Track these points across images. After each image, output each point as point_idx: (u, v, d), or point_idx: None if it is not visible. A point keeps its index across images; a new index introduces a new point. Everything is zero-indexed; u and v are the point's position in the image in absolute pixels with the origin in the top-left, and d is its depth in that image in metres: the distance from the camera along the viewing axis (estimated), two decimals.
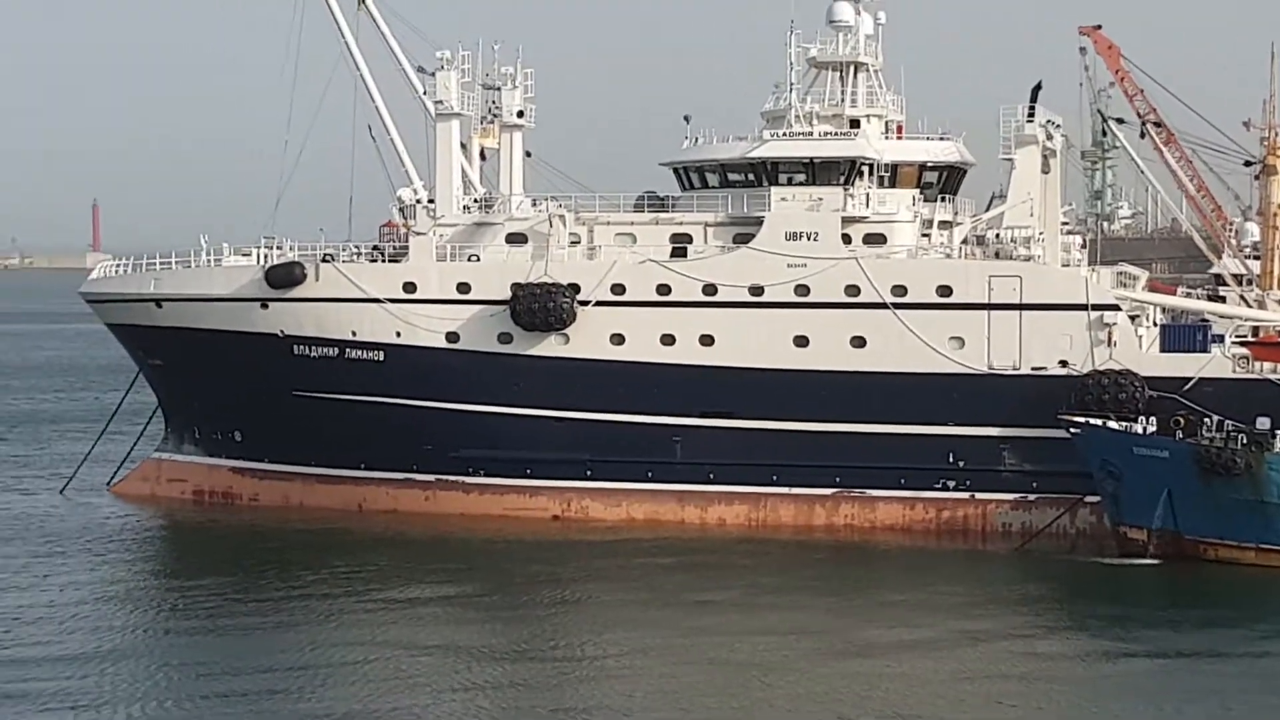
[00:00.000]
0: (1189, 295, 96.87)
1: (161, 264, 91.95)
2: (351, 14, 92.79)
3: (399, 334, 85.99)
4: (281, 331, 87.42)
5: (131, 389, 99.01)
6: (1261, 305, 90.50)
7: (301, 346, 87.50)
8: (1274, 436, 73.43)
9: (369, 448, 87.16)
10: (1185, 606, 69.11)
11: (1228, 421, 74.79)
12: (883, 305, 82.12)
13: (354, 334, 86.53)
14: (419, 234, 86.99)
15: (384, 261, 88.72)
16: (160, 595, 71.60)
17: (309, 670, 57.57)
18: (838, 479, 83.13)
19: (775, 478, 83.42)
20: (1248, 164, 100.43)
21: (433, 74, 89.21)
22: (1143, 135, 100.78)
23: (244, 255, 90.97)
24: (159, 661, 58.97)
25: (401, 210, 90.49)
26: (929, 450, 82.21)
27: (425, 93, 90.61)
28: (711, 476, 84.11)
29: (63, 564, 75.02)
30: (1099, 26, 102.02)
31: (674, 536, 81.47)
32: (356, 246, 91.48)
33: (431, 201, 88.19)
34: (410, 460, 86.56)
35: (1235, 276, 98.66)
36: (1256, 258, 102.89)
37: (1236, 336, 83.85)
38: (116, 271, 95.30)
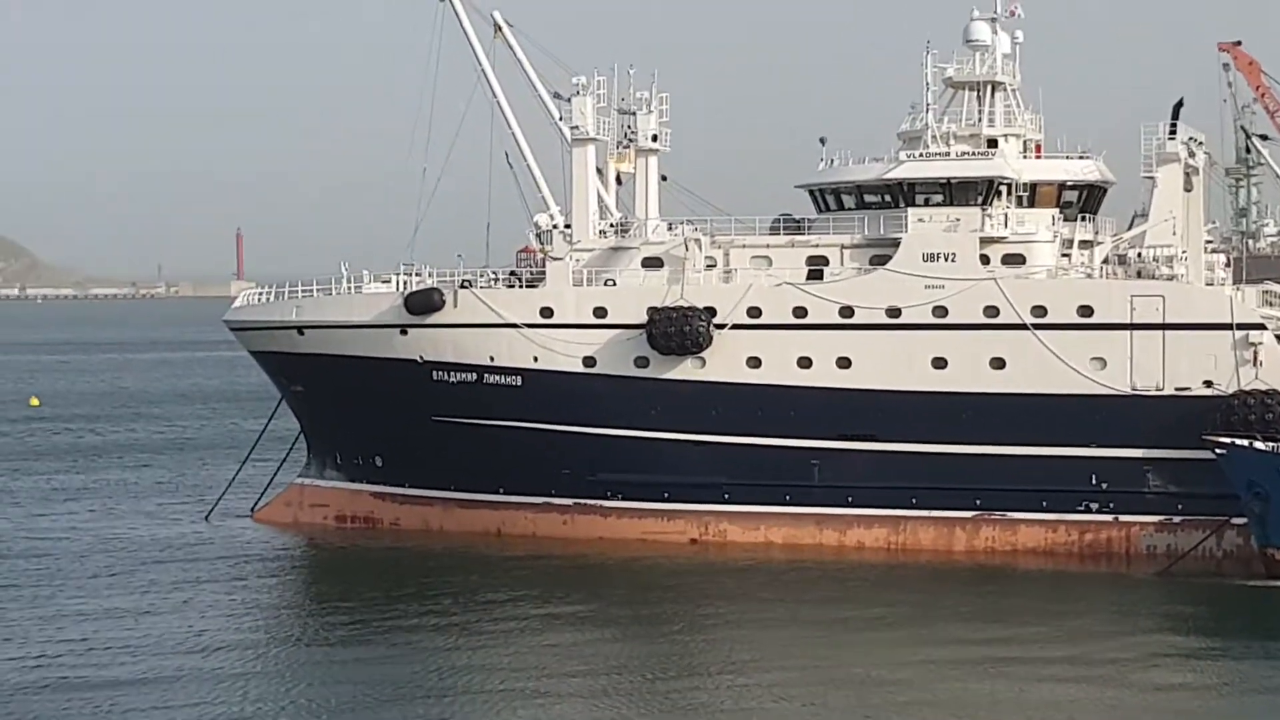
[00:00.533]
0: None
1: (303, 292, 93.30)
2: (488, 41, 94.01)
3: (536, 359, 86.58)
4: (421, 357, 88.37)
5: (274, 416, 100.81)
6: None
7: (440, 372, 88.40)
8: None
9: (507, 472, 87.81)
10: None
11: None
12: (1022, 326, 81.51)
13: (492, 359, 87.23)
14: (556, 259, 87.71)
15: (521, 287, 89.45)
16: (301, 619, 72.67)
17: (449, 695, 58.16)
18: (978, 501, 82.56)
19: (914, 500, 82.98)
20: None
21: (568, 99, 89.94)
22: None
23: (384, 282, 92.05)
24: (300, 684, 59.85)
25: (538, 236, 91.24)
26: (1071, 472, 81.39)
27: (561, 118, 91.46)
28: (850, 500, 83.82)
29: (207, 588, 76.29)
30: (1239, 43, 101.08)
31: (812, 560, 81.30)
32: (494, 272, 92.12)
33: (568, 226, 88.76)
34: (548, 484, 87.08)
35: None
36: None
37: None
38: (260, 299, 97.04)
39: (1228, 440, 76.06)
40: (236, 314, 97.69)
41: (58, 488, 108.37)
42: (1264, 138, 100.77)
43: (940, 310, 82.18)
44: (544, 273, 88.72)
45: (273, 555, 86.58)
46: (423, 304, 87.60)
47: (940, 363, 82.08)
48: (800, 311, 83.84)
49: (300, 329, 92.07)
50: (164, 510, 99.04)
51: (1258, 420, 77.40)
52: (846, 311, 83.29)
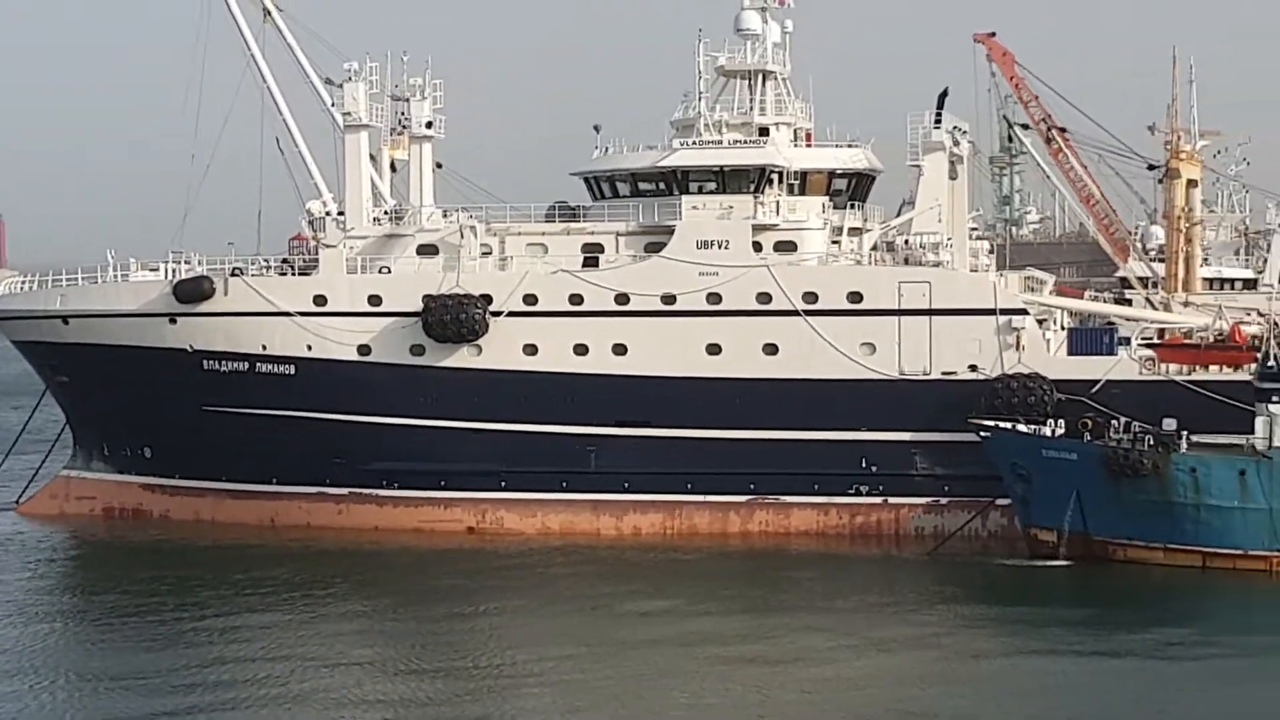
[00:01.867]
0: (1095, 299, 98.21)
1: (68, 280, 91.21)
2: (257, 25, 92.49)
3: (310, 347, 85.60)
4: (191, 346, 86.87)
5: (38, 407, 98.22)
6: (1166, 307, 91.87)
7: (211, 361, 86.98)
8: (1180, 437, 74.38)
9: (281, 462, 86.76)
10: (1095, 607, 69.66)
11: (1134, 423, 75.61)
12: (794, 312, 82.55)
13: (264, 348, 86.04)
14: (329, 246, 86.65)
15: (294, 275, 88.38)
16: (66, 613, 71.01)
17: (216, 686, 57.30)
18: (752, 486, 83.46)
19: (690, 486, 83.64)
20: (1151, 168, 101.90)
21: (340, 86, 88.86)
22: (1048, 141, 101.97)
23: (152, 270, 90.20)
24: (59, 679, 58.67)
25: (311, 223, 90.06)
26: (842, 456, 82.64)
27: (333, 104, 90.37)
28: (626, 486, 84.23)
29: None
30: (993, 34, 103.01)
31: (589, 546, 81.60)
32: (266, 260, 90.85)
33: (341, 214, 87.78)
34: (323, 474, 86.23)
35: (1141, 279, 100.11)
36: (1161, 260, 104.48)
37: (1142, 339, 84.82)
38: (22, 288, 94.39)
39: (991, 423, 77.78)
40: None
41: None
42: (1025, 127, 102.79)
43: (714, 297, 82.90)
44: (317, 260, 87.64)
45: (35, 547, 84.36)
46: (192, 292, 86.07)
47: (715, 349, 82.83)
48: (576, 299, 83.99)
49: (65, 318, 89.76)
50: None
51: (1020, 404, 79.25)
52: (622, 298, 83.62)
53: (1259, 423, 73.20)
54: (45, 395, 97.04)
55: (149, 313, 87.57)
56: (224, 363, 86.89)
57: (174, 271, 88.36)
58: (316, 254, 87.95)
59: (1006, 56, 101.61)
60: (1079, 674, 59.31)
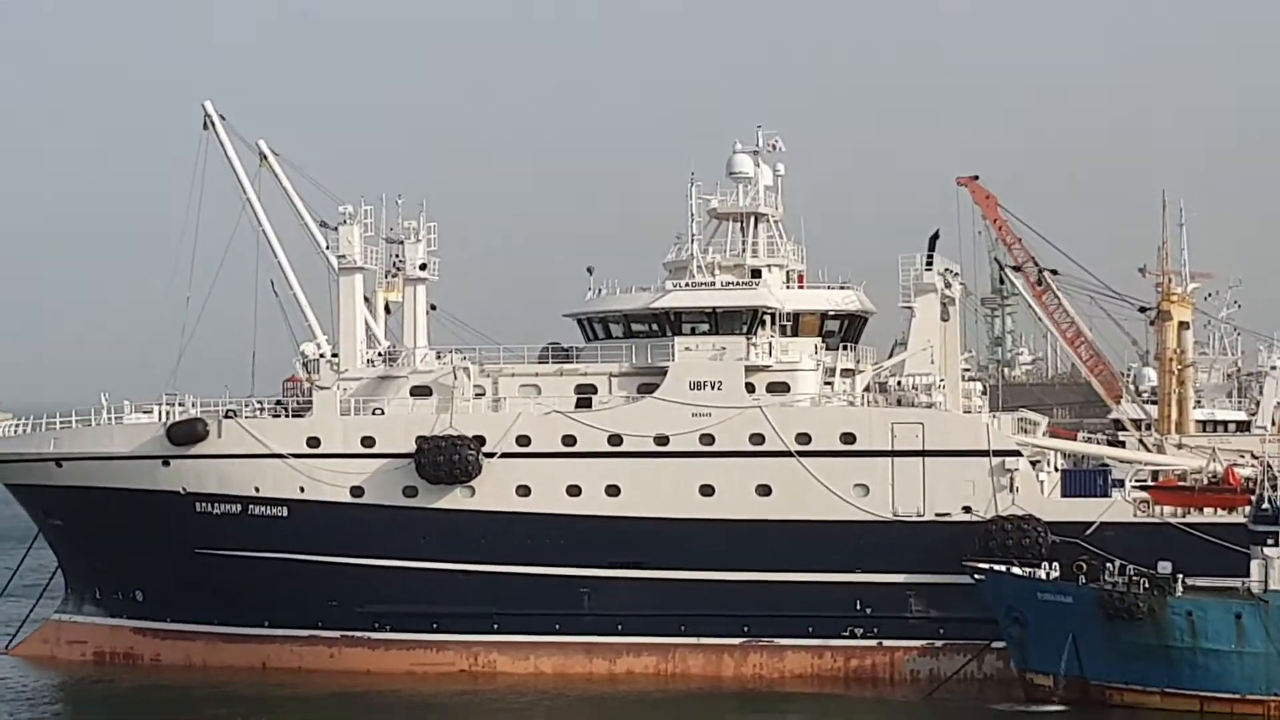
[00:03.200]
0: (1089, 440, 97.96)
1: (62, 423, 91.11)
2: (253, 169, 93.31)
3: (303, 489, 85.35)
4: (184, 489, 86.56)
5: (31, 549, 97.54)
6: (1160, 449, 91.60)
7: (204, 504, 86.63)
8: (1175, 580, 73.85)
9: (273, 604, 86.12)
10: None
11: (1130, 566, 75.11)
12: (787, 453, 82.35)
13: (257, 490, 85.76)
14: (322, 388, 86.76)
15: (287, 416, 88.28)
16: None
17: None
18: (746, 628, 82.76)
19: (683, 628, 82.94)
20: (1143, 310, 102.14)
21: (335, 228, 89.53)
22: (1037, 283, 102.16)
23: (145, 413, 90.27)
24: None
25: (305, 365, 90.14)
26: (836, 598, 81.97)
27: (328, 247, 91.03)
28: (620, 628, 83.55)
29: None
30: (976, 177, 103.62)
31: (582, 689, 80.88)
32: (260, 402, 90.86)
33: (335, 355, 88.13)
34: (315, 616, 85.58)
35: (1134, 421, 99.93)
36: (1154, 402, 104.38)
37: (1136, 481, 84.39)
38: (15, 430, 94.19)
39: (986, 565, 77.33)
40: None
41: None
42: (1016, 269, 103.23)
43: (707, 438, 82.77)
44: (310, 402, 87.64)
45: (29, 692, 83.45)
46: (186, 434, 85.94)
47: (708, 490, 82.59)
48: (569, 440, 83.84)
49: (58, 461, 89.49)
50: None
51: (1014, 545, 78.86)
52: (615, 439, 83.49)
53: (1254, 566, 72.71)
54: (38, 538, 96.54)
55: (142, 455, 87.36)
56: (217, 505, 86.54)
57: (168, 414, 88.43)
58: (310, 396, 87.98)
59: (990, 199, 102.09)
60: None
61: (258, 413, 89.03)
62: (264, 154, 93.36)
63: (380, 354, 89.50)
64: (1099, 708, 74.06)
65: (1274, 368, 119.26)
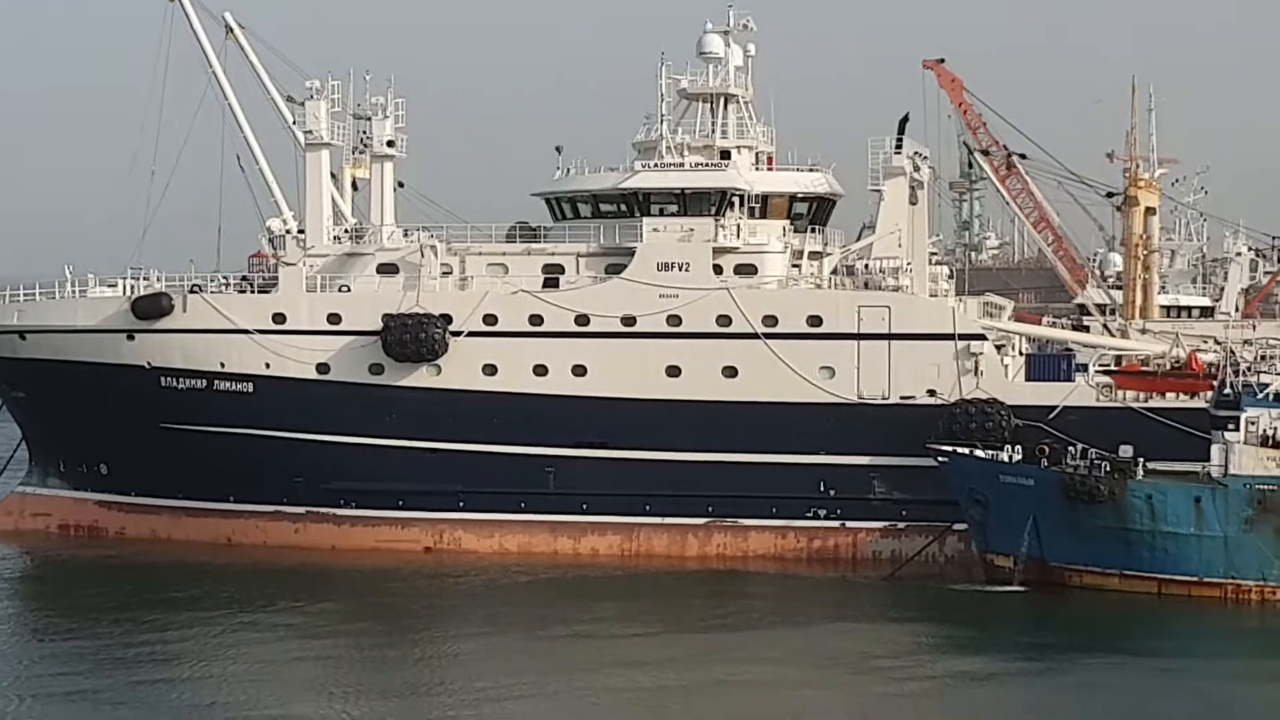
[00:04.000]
0: (1054, 325, 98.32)
1: (25, 295, 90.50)
2: (219, 42, 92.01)
3: (268, 365, 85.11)
4: (148, 363, 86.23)
5: None
6: (1124, 334, 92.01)
7: (169, 378, 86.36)
8: (1136, 464, 74.51)
9: (238, 480, 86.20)
10: (1049, 632, 69.46)
11: (1091, 449, 75.69)
12: (754, 335, 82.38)
13: (222, 365, 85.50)
14: (288, 264, 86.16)
15: (253, 292, 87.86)
16: (15, 629, 70.16)
17: (153, 706, 56.75)
18: (710, 509, 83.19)
19: (648, 508, 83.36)
20: (1109, 195, 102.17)
21: (302, 104, 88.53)
22: (1007, 168, 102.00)
23: (110, 286, 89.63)
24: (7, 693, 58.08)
25: (271, 241, 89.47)
26: (800, 479, 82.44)
27: (295, 122, 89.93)
28: (584, 507, 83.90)
29: None
30: (942, 60, 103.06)
31: (546, 568, 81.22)
32: (225, 277, 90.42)
33: (301, 232, 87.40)
34: (280, 492, 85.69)
35: (1098, 306, 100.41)
36: (1119, 287, 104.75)
37: (1100, 365, 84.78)
38: None
39: (949, 448, 77.73)
40: None
41: None
42: (984, 153, 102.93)
43: (674, 319, 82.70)
44: (276, 278, 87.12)
45: None
46: (150, 309, 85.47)
47: (674, 371, 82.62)
48: (536, 319, 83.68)
49: (22, 333, 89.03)
50: None
51: (978, 429, 79.24)
52: (582, 320, 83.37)
53: (1214, 450, 73.24)
54: (1, 411, 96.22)
55: (107, 329, 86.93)
56: (182, 380, 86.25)
57: (132, 288, 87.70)
58: (276, 272, 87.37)
59: (955, 83, 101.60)
60: (1031, 699, 59.47)
61: (223, 288, 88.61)
62: (230, 26, 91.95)
63: (347, 231, 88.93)
64: (1058, 589, 74.75)
65: (1238, 254, 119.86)
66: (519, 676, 60.69)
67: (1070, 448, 76.35)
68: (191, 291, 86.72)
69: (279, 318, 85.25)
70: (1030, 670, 63.23)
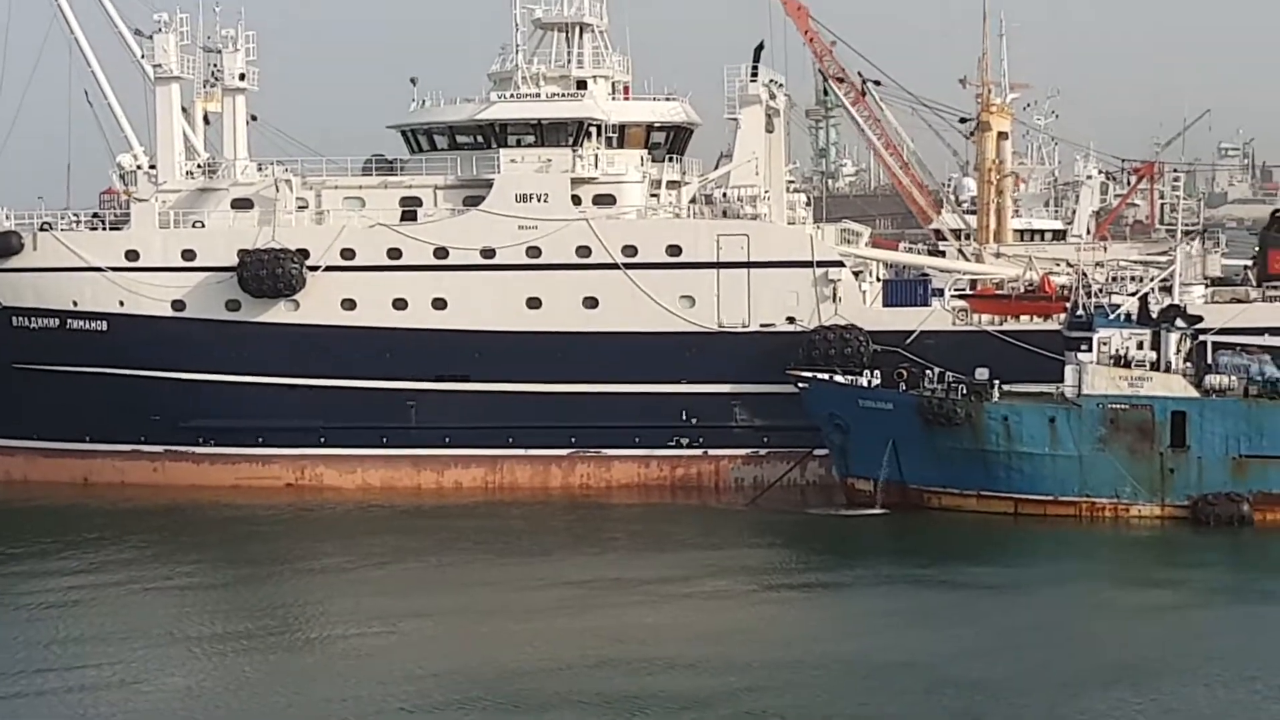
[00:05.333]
0: (909, 250, 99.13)
1: None
2: None
3: (122, 303, 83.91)
4: None
5: None
6: (978, 259, 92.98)
7: (21, 318, 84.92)
8: (992, 387, 75.36)
9: (94, 419, 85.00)
10: (909, 554, 70.04)
11: (948, 373, 76.39)
12: (614, 266, 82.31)
13: (75, 304, 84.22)
14: (141, 200, 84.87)
15: (105, 229, 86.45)
16: None
17: (16, 652, 55.26)
18: (573, 439, 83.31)
19: (511, 440, 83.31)
20: (963, 121, 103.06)
21: (150, 37, 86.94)
22: (863, 94, 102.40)
23: None
24: None
25: (122, 176, 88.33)
26: (662, 409, 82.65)
27: (143, 56, 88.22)
28: (447, 440, 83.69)
29: None
30: None
31: (409, 502, 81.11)
32: (76, 214, 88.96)
33: (153, 167, 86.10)
34: (137, 431, 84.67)
35: (953, 231, 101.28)
36: (973, 213, 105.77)
37: (955, 290, 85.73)
38: None
39: (809, 375, 78.26)
40: None
41: None
42: (840, 80, 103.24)
43: (534, 250, 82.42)
44: (128, 215, 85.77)
45: None
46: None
47: (535, 303, 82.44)
48: (394, 253, 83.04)
49: None
50: None
51: (837, 355, 79.74)
52: (441, 253, 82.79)
53: (1068, 371, 74.22)
54: None
55: None
56: (34, 319, 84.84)
57: None
58: (128, 208, 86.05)
59: (801, 10, 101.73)
60: (890, 618, 59.68)
61: (74, 225, 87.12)
62: None
63: (200, 166, 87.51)
64: (917, 511, 75.57)
65: (1089, 177, 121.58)
66: (367, 612, 60.43)
67: (928, 371, 77.09)
68: (42, 229, 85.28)
69: (132, 255, 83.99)
70: (886, 591, 63.75)
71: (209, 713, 49.18)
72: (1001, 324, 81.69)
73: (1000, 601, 61.83)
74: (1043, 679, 50.73)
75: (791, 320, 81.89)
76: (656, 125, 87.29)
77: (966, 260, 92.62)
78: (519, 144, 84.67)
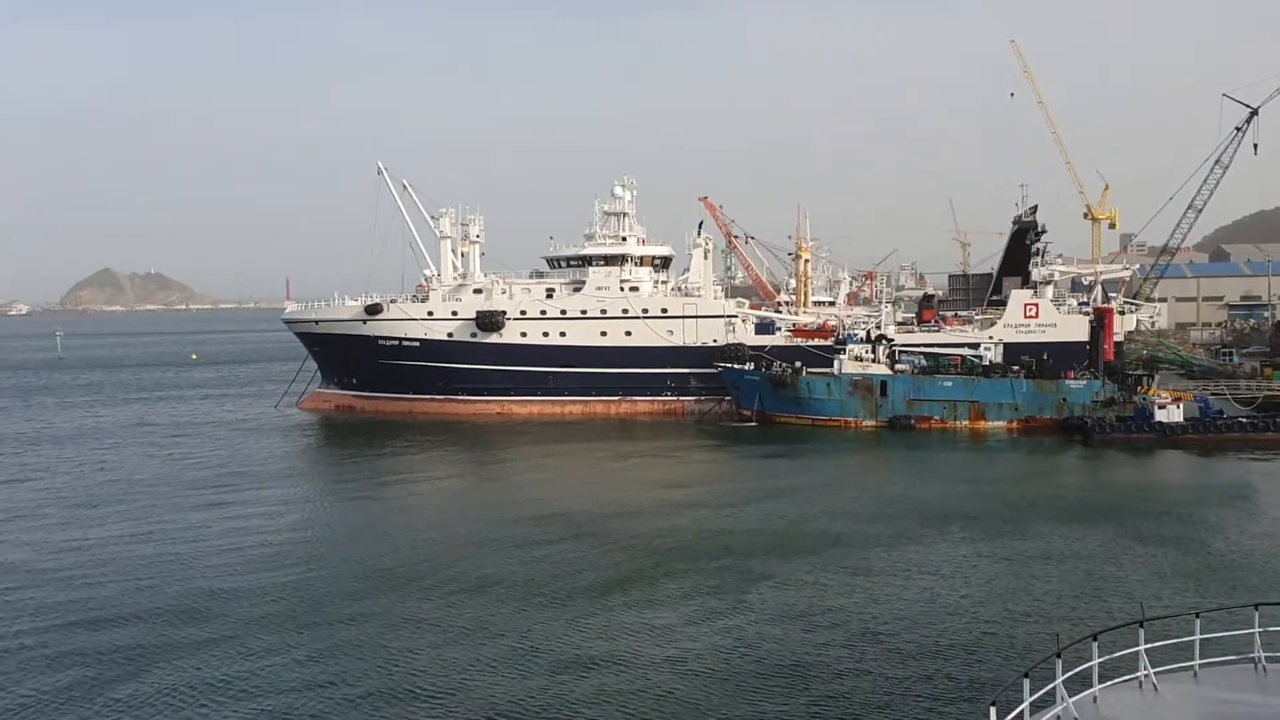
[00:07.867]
0: (765, 310, 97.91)
1: (316, 305, 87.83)
2: (399, 191, 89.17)
3: (426, 333, 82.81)
4: (374, 335, 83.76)
5: (305, 361, 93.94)
6: (796, 314, 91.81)
7: (383, 341, 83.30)
8: (802, 370, 74.57)
9: (413, 384, 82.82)
10: (767, 442, 68.02)
11: (783, 364, 75.65)
12: (638, 317, 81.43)
13: (405, 334, 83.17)
14: (433, 290, 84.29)
15: (418, 302, 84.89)
16: (317, 456, 64.44)
17: (374, 476, 52.98)
18: (620, 392, 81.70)
19: (593, 392, 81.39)
20: (789, 254, 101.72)
21: (437, 218, 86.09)
22: (745, 242, 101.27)
23: (353, 300, 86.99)
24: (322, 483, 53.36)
25: (425, 279, 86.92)
26: (661, 380, 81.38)
27: (435, 226, 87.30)
28: (565, 393, 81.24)
29: (262, 440, 69.58)
30: (706, 197, 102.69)
31: (552, 421, 78.27)
32: (406, 296, 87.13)
33: (438, 276, 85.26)
34: (432, 390, 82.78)
35: (785, 303, 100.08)
36: (793, 294, 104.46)
37: (787, 328, 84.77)
38: (298, 308, 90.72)
39: (724, 365, 77.53)
40: (289, 316, 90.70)
41: (209, 394, 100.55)
42: (734, 236, 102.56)
43: (603, 311, 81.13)
44: (429, 295, 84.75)
45: (302, 426, 77.93)
46: (374, 310, 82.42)
47: (603, 334, 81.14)
48: (543, 312, 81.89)
49: (316, 322, 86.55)
50: (252, 405, 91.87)
51: (735, 356, 79.07)
52: (564, 312, 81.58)
53: (836, 363, 73.55)
54: (307, 358, 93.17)
55: (351, 319, 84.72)
56: (388, 342, 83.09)
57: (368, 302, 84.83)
58: (428, 293, 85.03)
59: (713, 209, 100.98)
60: (756, 464, 58.25)
61: (406, 300, 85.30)
62: (405, 185, 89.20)
63: (458, 275, 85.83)
64: (771, 424, 73.92)
65: (843, 279, 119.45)
66: (543, 450, 57.23)
67: (775, 363, 76.21)
68: (391, 302, 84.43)
69: (430, 313, 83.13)
70: (751, 454, 61.89)
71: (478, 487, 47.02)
72: (807, 342, 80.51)
73: (801, 461, 60.25)
74: (820, 487, 49.22)
75: (715, 341, 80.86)
76: (657, 258, 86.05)
77: (791, 315, 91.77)
78: (597, 265, 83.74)
